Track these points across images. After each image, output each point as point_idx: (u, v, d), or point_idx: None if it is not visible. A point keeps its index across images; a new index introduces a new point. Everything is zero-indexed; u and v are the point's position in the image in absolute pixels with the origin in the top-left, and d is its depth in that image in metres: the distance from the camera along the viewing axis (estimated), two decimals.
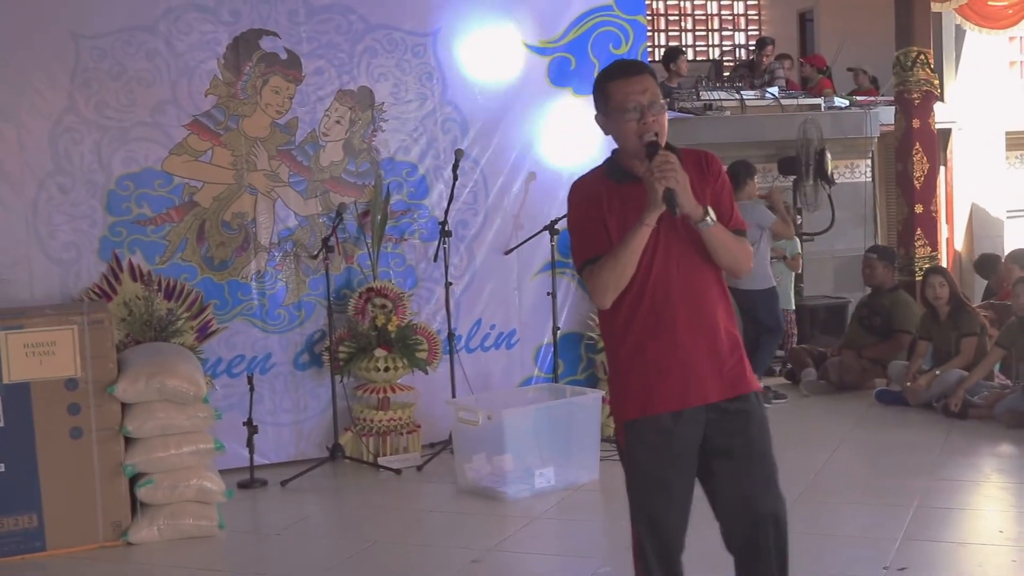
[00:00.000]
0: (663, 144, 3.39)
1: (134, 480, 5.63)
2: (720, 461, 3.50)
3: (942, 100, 11.50)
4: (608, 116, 3.48)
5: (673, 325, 3.43)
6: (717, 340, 3.47)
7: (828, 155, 10.42)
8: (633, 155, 3.45)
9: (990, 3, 10.31)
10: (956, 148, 12.76)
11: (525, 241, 7.46)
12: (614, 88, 3.44)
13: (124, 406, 5.62)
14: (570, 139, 7.66)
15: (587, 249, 3.49)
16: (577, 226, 3.58)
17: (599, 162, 7.50)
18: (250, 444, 6.51)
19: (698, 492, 3.58)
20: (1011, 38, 12.82)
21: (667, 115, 3.49)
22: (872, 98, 12.13)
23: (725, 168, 3.61)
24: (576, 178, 3.65)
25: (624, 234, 3.39)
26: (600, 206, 3.47)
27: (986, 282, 10.61)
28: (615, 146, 3.56)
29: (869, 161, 11.77)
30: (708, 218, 3.36)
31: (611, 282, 3.40)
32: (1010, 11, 10.45)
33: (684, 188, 3.31)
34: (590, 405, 6.55)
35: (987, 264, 10.41)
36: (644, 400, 3.48)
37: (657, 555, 3.57)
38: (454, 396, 6.99)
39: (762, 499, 3.49)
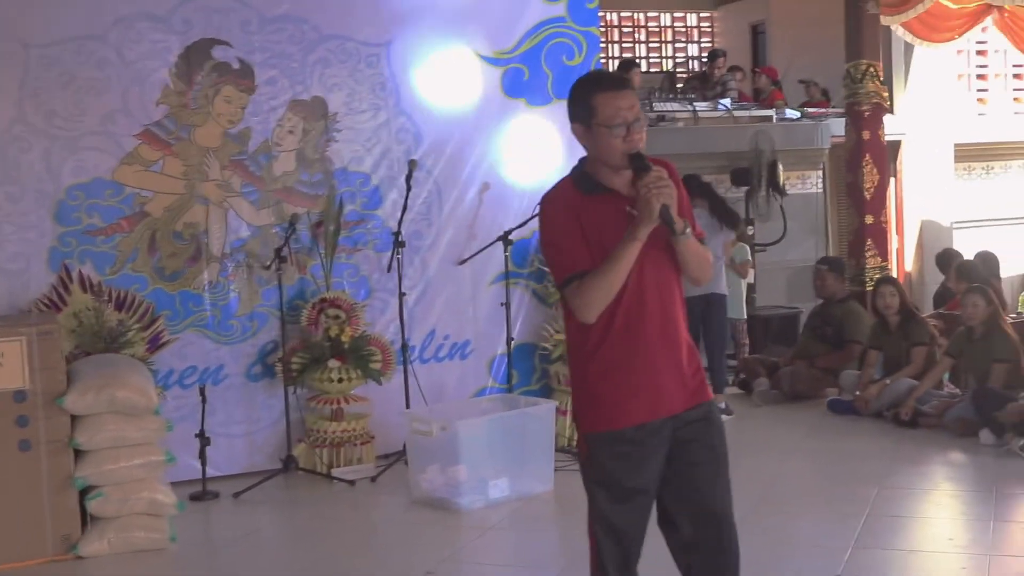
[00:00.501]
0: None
1: (84, 493, 5.56)
2: (684, 467, 3.50)
3: (892, 112, 11.61)
4: (590, 128, 3.42)
5: (646, 341, 3.43)
6: (681, 352, 3.49)
7: (780, 166, 10.51)
8: (611, 167, 3.42)
9: (936, 18, 10.41)
10: (906, 160, 12.89)
11: (479, 252, 7.46)
12: (602, 101, 3.38)
13: (74, 418, 5.56)
14: (524, 150, 7.69)
15: (570, 264, 3.43)
16: (555, 241, 3.51)
17: (552, 172, 7.55)
18: (202, 456, 6.46)
19: None
20: (959, 51, 12.98)
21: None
22: (823, 110, 12.23)
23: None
24: (544, 192, 3.61)
25: (601, 246, 3.37)
26: (576, 219, 3.42)
27: (936, 288, 10.73)
28: (576, 153, 3.56)
29: (820, 172, 11.87)
30: (688, 230, 3.38)
31: (599, 298, 3.36)
32: (956, 26, 10.57)
33: (674, 203, 3.33)
34: (544, 416, 6.55)
35: (946, 260, 10.48)
36: (613, 414, 3.46)
37: (616, 565, 3.57)
38: (408, 407, 6.97)
39: (723, 502, 3.53)
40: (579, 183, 3.51)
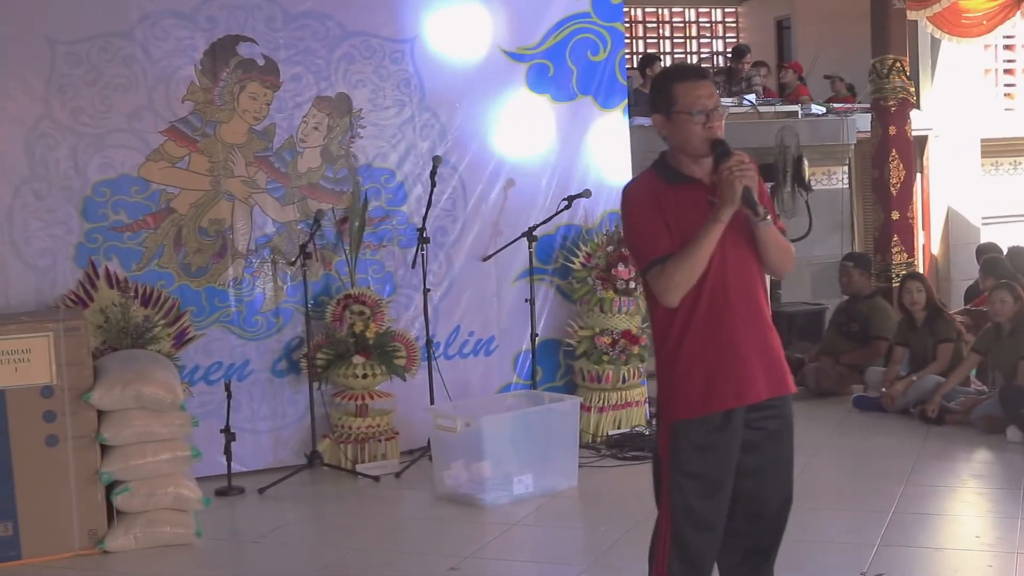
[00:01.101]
0: None
1: (110, 488, 5.59)
2: (752, 462, 3.57)
3: (918, 107, 11.54)
4: (670, 117, 3.51)
5: (731, 325, 3.49)
6: (766, 339, 3.55)
7: (805, 162, 10.45)
8: (692, 155, 3.51)
9: (964, 13, 10.34)
10: (932, 155, 12.81)
11: (504, 248, 7.46)
12: (682, 90, 3.49)
13: (100, 413, 5.59)
14: (549, 145, 7.68)
15: (652, 249, 3.51)
16: (638, 228, 3.59)
17: (577, 168, 7.55)
18: (227, 451, 6.48)
19: None
20: (986, 46, 12.88)
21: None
22: (849, 105, 12.16)
23: None
24: (625, 184, 3.75)
25: (683, 234, 3.45)
26: (658, 207, 3.51)
27: (968, 283, 10.66)
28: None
29: (846, 168, 11.80)
30: (768, 217, 3.45)
31: (682, 281, 3.44)
32: (984, 21, 10.49)
33: (756, 187, 3.42)
34: (569, 412, 6.54)
35: (986, 252, 10.41)
36: (701, 401, 3.51)
37: (705, 559, 3.60)
38: (432, 403, 6.98)
39: (780, 504, 3.63)
40: (662, 173, 3.59)
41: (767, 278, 3.65)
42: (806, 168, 10.47)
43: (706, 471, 3.53)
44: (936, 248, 12.90)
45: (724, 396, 3.49)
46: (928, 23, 10.34)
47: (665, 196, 3.52)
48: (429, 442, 6.69)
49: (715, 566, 3.69)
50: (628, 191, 3.66)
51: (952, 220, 12.84)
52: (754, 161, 3.49)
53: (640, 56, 14.66)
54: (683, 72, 3.61)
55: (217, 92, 6.83)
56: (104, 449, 5.60)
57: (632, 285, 7.37)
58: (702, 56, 17.20)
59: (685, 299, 3.47)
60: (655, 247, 3.50)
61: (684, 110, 3.47)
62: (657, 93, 3.57)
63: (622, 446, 7.13)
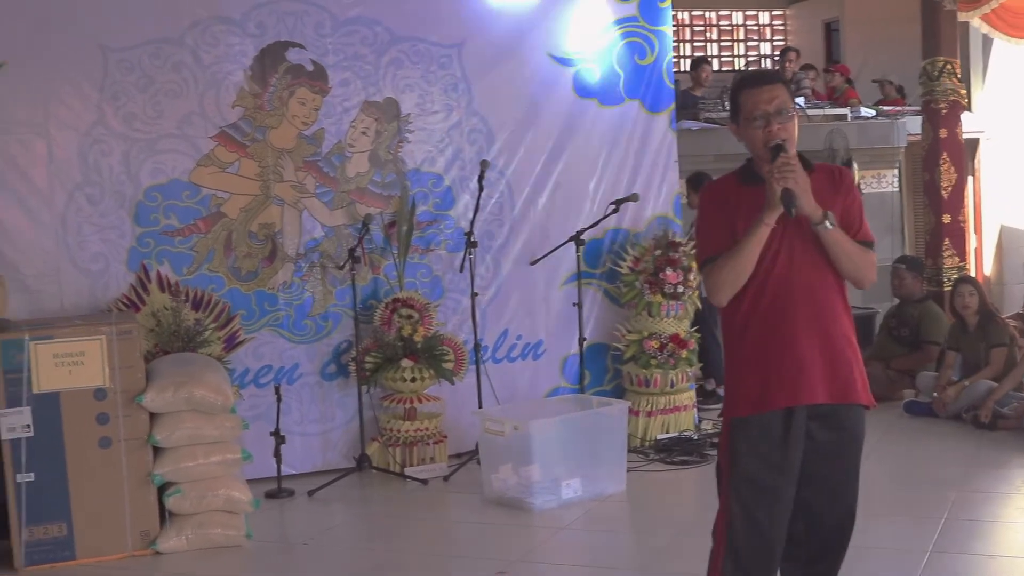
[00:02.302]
0: (792, 151, 3.50)
1: (162, 489, 5.65)
2: (816, 469, 3.60)
3: (969, 110, 11.44)
4: (739, 124, 3.61)
5: (792, 325, 3.51)
6: (833, 344, 3.55)
7: (855, 165, 10.38)
8: (761, 159, 3.57)
9: (1017, 12, 10.22)
10: (984, 158, 12.68)
11: (551, 252, 7.46)
12: (744, 97, 3.58)
13: (152, 416, 5.65)
14: (596, 150, 7.67)
15: (708, 248, 3.61)
16: (701, 226, 3.71)
17: (624, 172, 7.55)
18: (277, 454, 6.52)
19: None
20: None
21: (795, 123, 3.59)
22: (899, 108, 12.07)
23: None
24: (705, 185, 3.87)
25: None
26: (727, 207, 3.58)
27: (1019, 288, 10.55)
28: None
29: (896, 171, 11.71)
30: (827, 222, 3.46)
31: (728, 280, 3.52)
32: None
33: (804, 190, 3.43)
34: (617, 416, 6.53)
35: None
36: (757, 398, 3.56)
37: (756, 561, 3.60)
38: (480, 406, 6.99)
39: (852, 519, 3.70)
40: (740, 174, 3.70)
41: (845, 288, 3.64)
42: (856, 172, 10.39)
43: (760, 473, 3.55)
44: (988, 252, 12.76)
45: (778, 395, 3.52)
46: (982, 23, 10.23)
47: (737, 196, 3.60)
48: (477, 446, 6.71)
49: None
50: (702, 190, 3.77)
51: (1004, 224, 12.70)
52: (837, 169, 3.60)
53: (689, 60, 14.62)
54: (747, 79, 3.67)
55: (266, 98, 6.89)
56: (156, 451, 5.66)
57: (680, 289, 7.35)
58: (749, 59, 17.13)
59: (747, 296, 3.53)
60: (711, 245, 3.59)
61: (746, 117, 3.56)
62: (731, 103, 3.68)
63: (670, 450, 7.11)
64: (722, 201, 3.60)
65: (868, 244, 3.61)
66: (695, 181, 8.65)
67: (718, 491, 3.70)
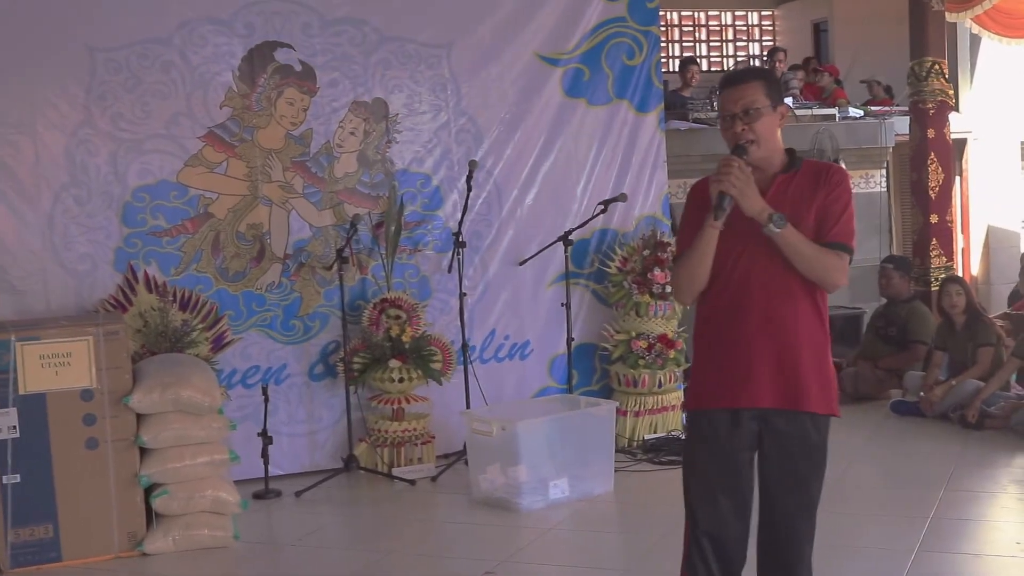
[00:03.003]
0: (760, 151, 3.50)
1: (149, 490, 5.64)
2: (765, 476, 3.59)
3: (957, 110, 11.47)
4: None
5: (745, 328, 3.50)
6: (787, 350, 3.50)
7: (843, 165, 10.40)
8: None
9: (1009, 13, 10.25)
10: (971, 158, 12.72)
11: (539, 252, 7.46)
12: (720, 98, 3.60)
13: (139, 417, 5.63)
14: (584, 150, 7.68)
15: (679, 247, 3.67)
16: (680, 224, 3.74)
17: (612, 173, 7.55)
18: (265, 455, 6.52)
19: None
20: None
21: (772, 118, 3.55)
22: (887, 108, 12.10)
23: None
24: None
25: (728, 234, 3.49)
26: (706, 207, 3.53)
27: (1006, 288, 10.58)
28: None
29: (884, 171, 11.74)
30: (771, 224, 3.40)
31: (683, 280, 3.58)
32: None
33: (744, 193, 3.40)
34: (604, 416, 6.54)
35: None
36: (705, 395, 3.60)
37: (707, 560, 3.60)
38: (468, 407, 6.98)
39: (798, 530, 3.59)
40: None
41: (816, 292, 3.55)
42: None
43: (704, 467, 3.59)
44: (976, 252, 12.80)
45: (721, 395, 3.54)
46: (973, 24, 10.24)
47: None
48: (465, 446, 6.71)
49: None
50: (690, 190, 3.75)
51: (992, 224, 12.74)
52: (835, 175, 3.54)
53: (678, 60, 14.64)
54: (723, 80, 3.67)
55: (255, 98, 6.88)
56: (143, 452, 5.65)
57: (668, 289, 7.36)
58: (738, 59, 17.15)
59: (708, 296, 3.57)
60: (680, 245, 3.65)
61: (720, 117, 3.59)
62: None
63: (658, 450, 7.12)
64: (701, 200, 3.57)
65: (840, 246, 3.50)
66: None
67: None
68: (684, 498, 3.67)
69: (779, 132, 3.59)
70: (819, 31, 16.20)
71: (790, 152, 3.60)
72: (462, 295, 7.10)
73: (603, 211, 7.49)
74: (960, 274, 11.00)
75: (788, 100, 11.98)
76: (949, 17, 10.14)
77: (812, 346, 3.53)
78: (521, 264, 7.50)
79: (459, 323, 7.12)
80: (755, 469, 3.62)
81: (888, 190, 11.83)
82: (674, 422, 7.47)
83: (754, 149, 3.49)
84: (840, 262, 3.51)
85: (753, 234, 3.45)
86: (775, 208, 3.42)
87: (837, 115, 11.68)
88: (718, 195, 3.41)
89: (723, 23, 17.22)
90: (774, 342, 3.49)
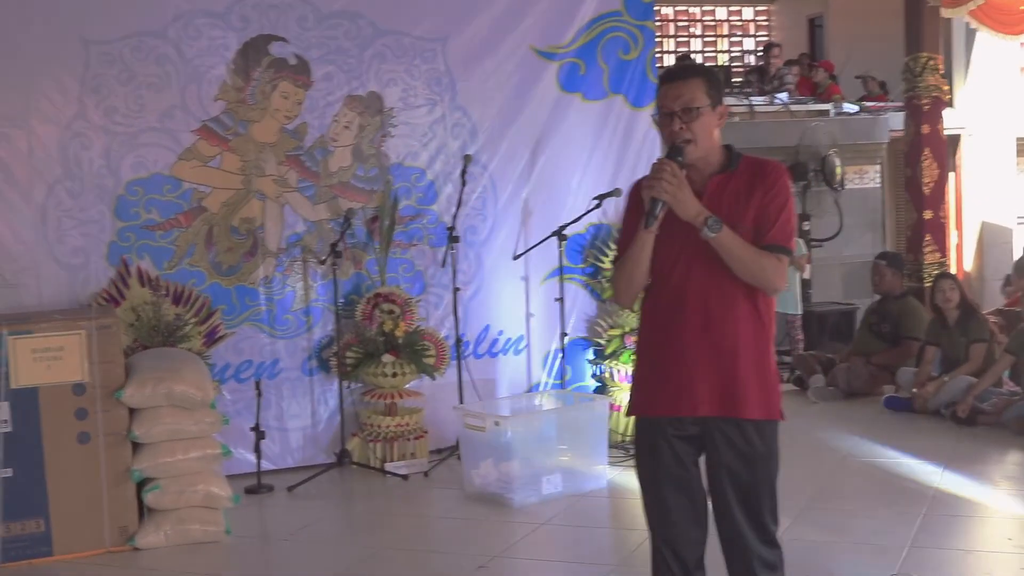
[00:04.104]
0: (698, 150, 3.42)
1: (141, 485, 5.63)
2: (712, 481, 3.54)
3: (951, 106, 11.47)
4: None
5: (681, 335, 3.45)
6: (728, 355, 3.43)
7: (837, 161, 10.40)
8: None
9: (1003, 9, 10.25)
10: (966, 154, 12.73)
11: (534, 247, 7.45)
12: (660, 92, 3.52)
13: (131, 411, 5.62)
14: (580, 144, 7.67)
15: (619, 248, 3.61)
16: (622, 226, 3.67)
17: (607, 167, 7.54)
18: (257, 449, 6.51)
19: None
20: (1022, 44, 12.78)
21: (711, 118, 3.46)
22: (882, 103, 12.10)
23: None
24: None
25: (663, 238, 3.43)
26: (642, 210, 3.46)
27: (999, 285, 10.59)
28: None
29: (879, 167, 11.75)
30: (706, 228, 3.33)
31: (620, 284, 3.55)
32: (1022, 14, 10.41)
33: (676, 197, 3.33)
34: (598, 411, 6.54)
35: None
36: (643, 400, 3.57)
37: (670, 567, 3.57)
38: (461, 402, 6.99)
39: (745, 538, 3.50)
40: None
41: (757, 295, 3.46)
42: (837, 168, 10.42)
43: (654, 477, 3.57)
44: (969, 248, 12.82)
45: (659, 402, 3.51)
46: (971, 19, 10.24)
47: None
48: (458, 441, 6.70)
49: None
50: (631, 188, 3.66)
51: (985, 220, 12.75)
52: (772, 172, 3.45)
53: (673, 55, 14.63)
54: (663, 74, 3.59)
55: (249, 91, 6.86)
56: (135, 446, 5.64)
57: None
58: (733, 54, 17.15)
59: (647, 302, 3.56)
60: (621, 247, 3.59)
61: (659, 113, 3.50)
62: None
63: None
64: (639, 202, 3.47)
65: (778, 248, 3.40)
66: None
67: None
68: (642, 499, 3.65)
69: (718, 132, 3.49)
70: (814, 26, 16.21)
71: (728, 150, 3.50)
72: (456, 290, 7.10)
73: (598, 206, 7.48)
74: (953, 270, 11.01)
75: (783, 95, 12.06)
76: (944, 13, 10.15)
77: (752, 351, 3.44)
78: (516, 259, 7.48)
79: (453, 318, 7.11)
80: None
81: (883, 186, 11.85)
82: None
83: (691, 149, 3.40)
84: (779, 264, 3.42)
85: (691, 238, 3.37)
86: (712, 210, 3.34)
87: (832, 110, 11.69)
88: (650, 201, 3.34)
89: (718, 18, 17.21)
90: (712, 348, 3.42)
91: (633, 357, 3.76)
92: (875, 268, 9.21)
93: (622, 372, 7.38)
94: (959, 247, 12.63)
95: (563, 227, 7.32)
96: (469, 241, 7.38)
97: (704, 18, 17.16)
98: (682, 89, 3.43)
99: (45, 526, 5.48)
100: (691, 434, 3.49)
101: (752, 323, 3.46)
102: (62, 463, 5.49)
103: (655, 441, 3.53)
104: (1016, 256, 10.57)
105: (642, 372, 3.62)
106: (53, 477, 5.48)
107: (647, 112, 7.86)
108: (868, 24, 13.76)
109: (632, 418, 3.70)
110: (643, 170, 7.76)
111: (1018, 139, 12.87)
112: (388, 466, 6.82)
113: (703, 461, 3.58)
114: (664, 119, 3.44)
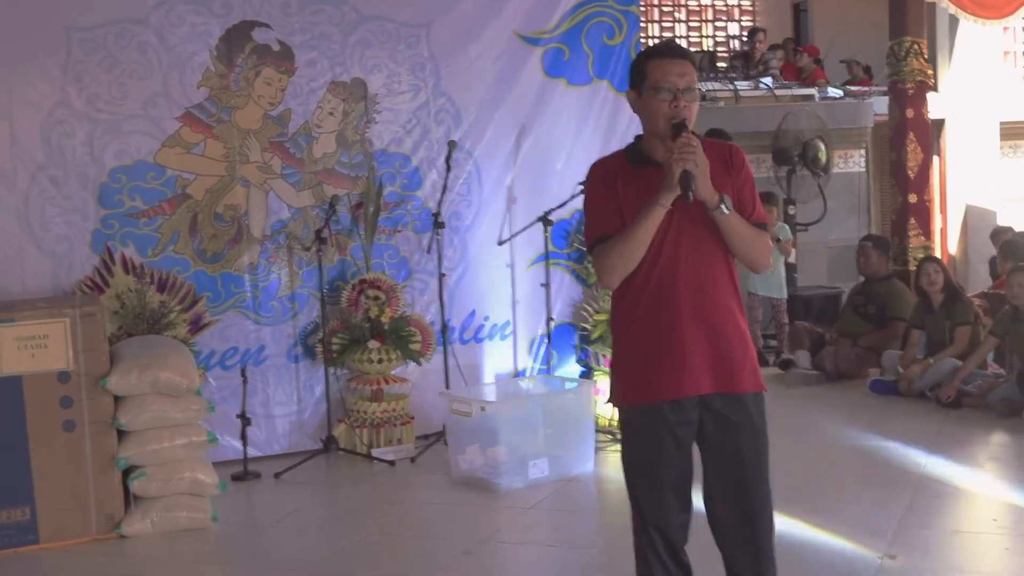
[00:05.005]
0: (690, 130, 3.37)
1: (127, 473, 5.61)
2: (710, 459, 3.51)
3: (936, 90, 11.49)
4: (641, 94, 3.45)
5: (677, 315, 3.40)
6: (720, 333, 3.43)
7: (821, 145, 10.40)
8: (659, 136, 3.42)
9: None
10: (950, 138, 12.75)
11: (519, 232, 7.45)
12: (653, 66, 3.41)
13: (117, 399, 5.60)
14: (564, 130, 7.66)
15: (598, 228, 3.47)
16: (590, 206, 3.56)
17: (592, 152, 7.53)
18: (243, 436, 6.50)
19: None
20: (1005, 28, 12.81)
21: (698, 106, 3.45)
22: (866, 88, 12.11)
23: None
24: (593, 162, 3.65)
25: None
26: (615, 187, 3.44)
27: (984, 268, 10.64)
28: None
29: (863, 151, 11.77)
30: (723, 206, 3.33)
31: (619, 262, 3.38)
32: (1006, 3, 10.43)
33: (703, 173, 3.29)
34: (584, 396, 6.55)
35: (1000, 235, 10.44)
36: (641, 388, 3.47)
37: (655, 551, 3.55)
38: (448, 387, 6.99)
39: (749, 502, 3.50)
40: (629, 155, 3.53)
41: (733, 272, 3.49)
42: (821, 152, 10.42)
43: (651, 462, 3.49)
44: (954, 232, 12.85)
45: (660, 386, 3.43)
46: (949, 4, 10.26)
47: (625, 178, 3.45)
48: (444, 427, 6.71)
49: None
50: (590, 169, 3.60)
51: (970, 203, 12.79)
52: (729, 147, 3.45)
53: (657, 40, 14.60)
54: (659, 50, 3.51)
55: (232, 78, 6.84)
56: (121, 434, 5.62)
57: None
58: (718, 39, 17.14)
59: (632, 284, 3.42)
60: (600, 226, 3.46)
61: (652, 86, 3.39)
62: (633, 69, 3.50)
63: None
64: (611, 180, 3.45)
65: (762, 226, 3.48)
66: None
67: None
68: (629, 493, 3.59)
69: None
70: (799, 11, 16.20)
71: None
72: (441, 275, 7.09)
73: (583, 191, 7.45)
74: (938, 254, 11.04)
75: (768, 80, 12.07)
76: None
77: (738, 325, 3.47)
78: (501, 244, 7.48)
79: (439, 303, 7.11)
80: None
81: (867, 170, 11.86)
82: None
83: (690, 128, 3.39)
84: (769, 243, 3.52)
85: (676, 217, 3.35)
86: None
87: (817, 95, 11.70)
88: (684, 175, 3.26)
89: (702, 3, 17.17)
90: (705, 326, 3.41)
91: (612, 343, 3.64)
92: (861, 249, 9.24)
93: (608, 357, 7.38)
94: (943, 231, 12.67)
95: (548, 212, 7.31)
96: (454, 227, 7.37)
97: (688, 3, 17.13)
98: (686, 67, 3.42)
99: (31, 514, 5.46)
100: (691, 418, 3.45)
101: (735, 298, 3.49)
102: (47, 451, 5.47)
103: (655, 428, 3.45)
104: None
105: (631, 359, 3.50)
106: (38, 465, 5.46)
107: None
108: (852, 8, 13.77)
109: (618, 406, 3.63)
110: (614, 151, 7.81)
111: (1001, 123, 12.90)
112: (374, 452, 6.81)
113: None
114: (665, 94, 3.36)
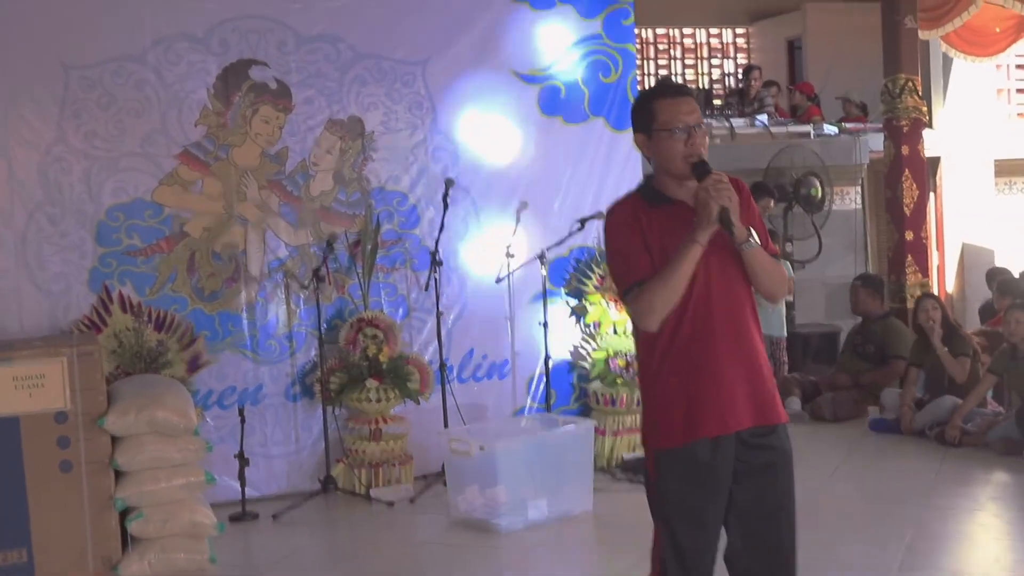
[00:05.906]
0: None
1: (124, 514, 5.56)
2: (747, 493, 3.47)
3: (931, 127, 11.53)
4: (652, 135, 3.44)
5: (715, 352, 3.39)
6: (753, 366, 3.44)
7: (815, 182, 10.41)
8: (675, 175, 3.42)
9: (977, 31, 10.33)
10: (945, 175, 12.79)
11: (516, 270, 7.44)
12: (661, 107, 3.42)
13: (114, 439, 5.56)
14: (561, 167, 7.67)
15: (632, 272, 3.41)
16: (619, 250, 3.50)
17: (589, 189, 7.52)
18: (241, 477, 6.45)
19: None
20: (998, 65, 12.88)
21: (707, 140, 3.47)
22: (861, 125, 12.16)
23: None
24: (608, 205, 3.62)
25: (665, 257, 3.34)
26: (640, 229, 3.42)
27: (979, 304, 10.63)
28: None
29: (859, 188, 11.79)
30: (751, 239, 3.35)
31: (659, 303, 3.33)
32: (996, 36, 10.47)
33: (735, 209, 3.30)
34: (583, 435, 6.51)
35: (994, 277, 10.45)
36: (682, 428, 3.42)
37: None
38: (446, 427, 6.95)
39: (782, 536, 3.51)
40: (644, 195, 3.52)
41: (758, 302, 3.53)
42: (816, 188, 10.43)
43: (692, 502, 3.45)
44: (951, 269, 12.86)
45: (705, 424, 3.39)
46: (944, 43, 10.32)
47: (647, 218, 3.43)
48: (443, 466, 6.66)
49: None
50: (610, 213, 3.57)
51: (966, 240, 12.81)
52: (739, 182, 3.43)
53: (653, 78, 14.65)
54: (663, 89, 3.51)
55: (230, 116, 6.84)
56: (118, 475, 5.58)
57: None
58: (713, 77, 17.21)
59: (667, 324, 3.37)
60: (635, 270, 3.40)
61: (664, 127, 3.39)
62: (638, 112, 3.50)
63: (637, 470, 7.06)
64: (634, 223, 3.43)
65: (776, 258, 3.51)
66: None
67: (653, 518, 3.58)
68: (665, 531, 3.49)
69: None
70: (793, 48, 16.26)
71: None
72: (439, 314, 7.07)
73: (580, 228, 7.47)
74: (935, 291, 11.04)
75: (763, 117, 12.10)
76: (922, 35, 10.22)
77: (765, 358, 3.50)
78: (498, 282, 7.46)
79: (437, 342, 7.08)
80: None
81: (863, 207, 11.88)
82: None
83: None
84: (785, 273, 3.57)
85: (705, 253, 3.33)
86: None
87: (812, 132, 11.73)
88: (723, 211, 3.26)
89: (698, 41, 17.25)
90: (743, 362, 3.41)
91: (643, 387, 3.58)
92: (851, 290, 9.23)
93: (607, 395, 7.36)
94: (940, 268, 12.68)
95: (546, 250, 7.31)
96: (452, 265, 7.36)
97: (684, 41, 17.21)
98: (692, 104, 3.43)
99: (27, 556, 5.41)
100: (729, 455, 3.43)
101: (758, 330, 3.50)
102: (44, 492, 5.42)
103: (700, 466, 3.41)
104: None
105: (675, 400, 3.43)
106: (35, 506, 5.41)
107: (628, 134, 7.83)
108: (847, 46, 13.82)
109: (632, 446, 3.60)
110: (625, 192, 7.82)
111: (996, 160, 12.94)
112: (373, 492, 6.77)
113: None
114: (678, 133, 3.37)
